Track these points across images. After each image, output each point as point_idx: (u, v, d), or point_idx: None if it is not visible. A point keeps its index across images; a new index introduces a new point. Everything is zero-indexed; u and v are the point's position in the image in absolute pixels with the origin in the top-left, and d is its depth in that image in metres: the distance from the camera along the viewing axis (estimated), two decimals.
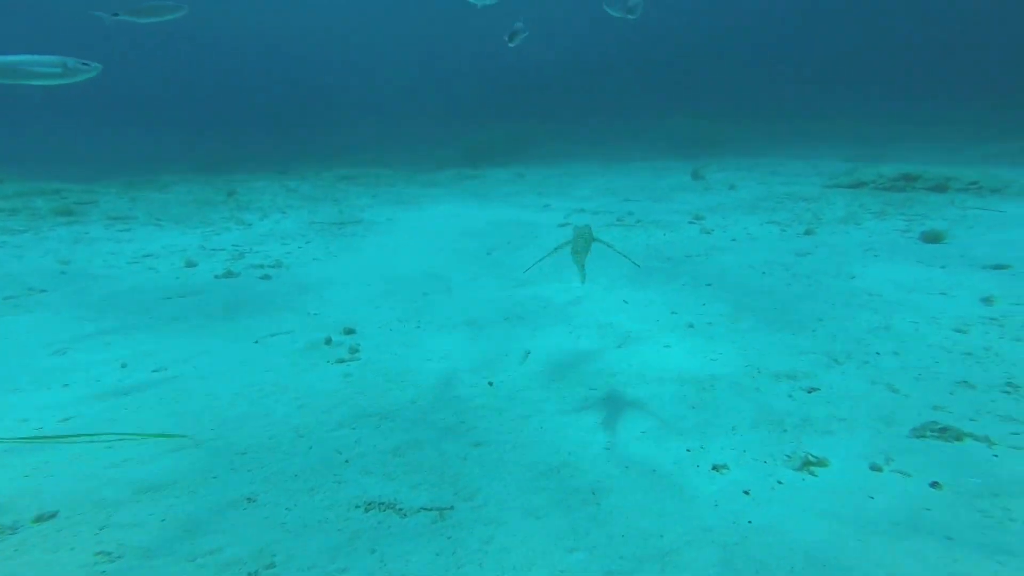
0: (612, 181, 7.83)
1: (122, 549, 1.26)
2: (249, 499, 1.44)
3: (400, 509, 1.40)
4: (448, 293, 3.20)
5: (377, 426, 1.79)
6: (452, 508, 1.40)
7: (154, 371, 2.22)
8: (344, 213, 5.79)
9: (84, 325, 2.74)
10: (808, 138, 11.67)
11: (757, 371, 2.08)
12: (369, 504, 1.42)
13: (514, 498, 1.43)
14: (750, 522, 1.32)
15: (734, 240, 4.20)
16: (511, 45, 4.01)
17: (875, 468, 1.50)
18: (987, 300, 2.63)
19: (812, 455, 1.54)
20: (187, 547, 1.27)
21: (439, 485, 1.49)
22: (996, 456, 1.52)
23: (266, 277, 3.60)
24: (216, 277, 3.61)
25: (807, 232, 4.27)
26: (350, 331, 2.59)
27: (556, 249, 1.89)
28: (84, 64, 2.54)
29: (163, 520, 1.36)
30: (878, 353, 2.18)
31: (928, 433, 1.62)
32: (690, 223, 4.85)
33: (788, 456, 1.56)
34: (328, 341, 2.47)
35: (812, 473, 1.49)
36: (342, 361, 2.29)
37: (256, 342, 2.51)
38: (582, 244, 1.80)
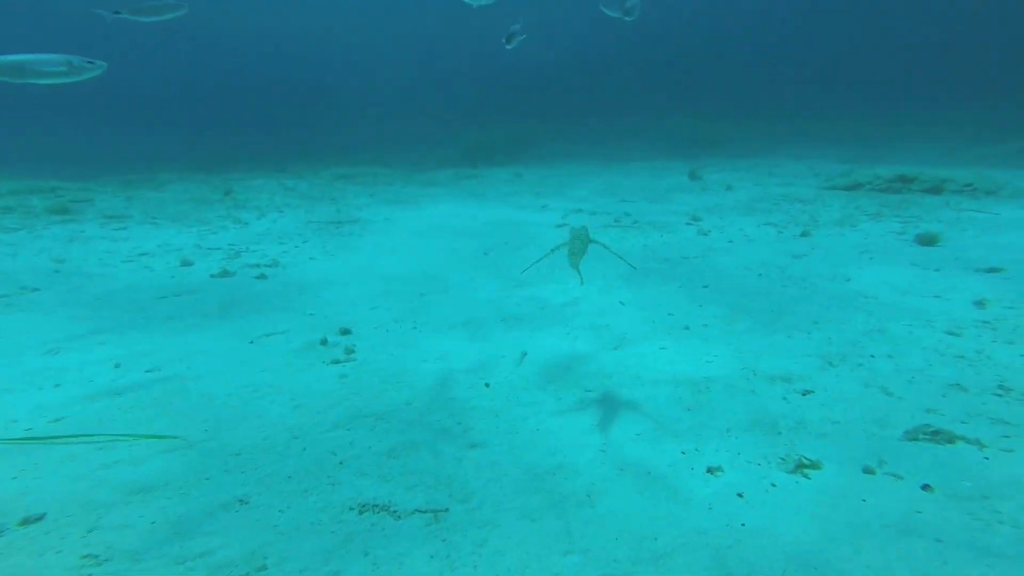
0: (611, 181, 7.84)
1: (110, 552, 1.25)
2: (242, 501, 1.43)
3: (394, 511, 1.39)
4: (445, 294, 3.20)
5: (372, 427, 1.78)
6: (447, 510, 1.40)
7: (148, 371, 2.21)
8: (342, 212, 5.78)
9: (77, 324, 2.72)
10: (806, 138, 11.72)
11: (752, 373, 2.09)
12: (363, 506, 1.41)
13: (509, 500, 1.43)
14: (743, 525, 1.33)
15: (731, 242, 4.21)
16: (508, 47, 4.01)
17: (868, 471, 1.51)
18: (980, 303, 2.65)
19: (806, 458, 1.55)
20: (177, 549, 1.26)
21: (434, 487, 1.49)
22: (987, 459, 1.53)
23: (262, 277, 3.59)
24: (212, 276, 3.59)
25: (803, 234, 4.29)
26: (346, 331, 2.58)
27: (553, 250, 1.88)
28: (89, 62, 2.53)
29: (153, 522, 1.35)
30: (872, 356, 2.19)
31: (921, 436, 1.63)
32: (687, 224, 4.86)
33: (782, 459, 1.57)
34: (324, 341, 2.46)
35: (806, 476, 1.50)
36: (338, 362, 2.28)
37: (251, 342, 2.50)
38: (579, 246, 1.80)
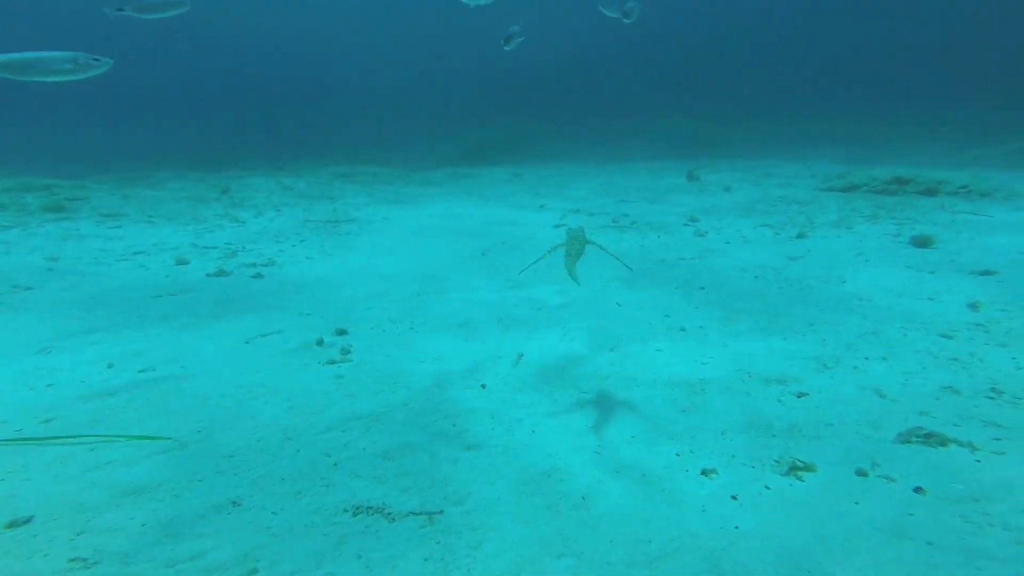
0: (610, 181, 7.85)
1: (99, 555, 1.23)
2: (234, 503, 1.43)
3: (389, 513, 1.39)
4: (442, 294, 3.19)
5: (368, 428, 1.78)
6: (442, 512, 1.39)
7: (141, 371, 2.19)
8: (339, 211, 5.76)
9: (70, 323, 2.70)
10: (805, 139, 11.76)
11: (748, 375, 2.10)
12: (357, 508, 1.41)
13: (504, 503, 1.43)
14: (737, 527, 1.33)
15: (728, 243, 4.22)
16: (507, 49, 4.01)
17: (861, 473, 1.52)
18: (973, 306, 2.67)
19: (800, 460, 1.56)
20: (167, 552, 1.25)
21: (429, 489, 1.48)
22: (979, 461, 1.54)
23: (258, 276, 3.57)
24: (208, 276, 3.57)
25: (800, 236, 4.31)
26: (342, 332, 2.57)
27: (551, 251, 1.88)
28: (95, 60, 2.52)
29: (144, 524, 1.34)
30: (867, 358, 2.20)
31: (913, 438, 1.64)
32: (684, 225, 4.87)
33: (776, 461, 1.58)
34: (320, 342, 2.45)
35: (799, 478, 1.51)
36: (333, 362, 2.27)
37: (247, 342, 2.49)
38: (575, 247, 1.80)
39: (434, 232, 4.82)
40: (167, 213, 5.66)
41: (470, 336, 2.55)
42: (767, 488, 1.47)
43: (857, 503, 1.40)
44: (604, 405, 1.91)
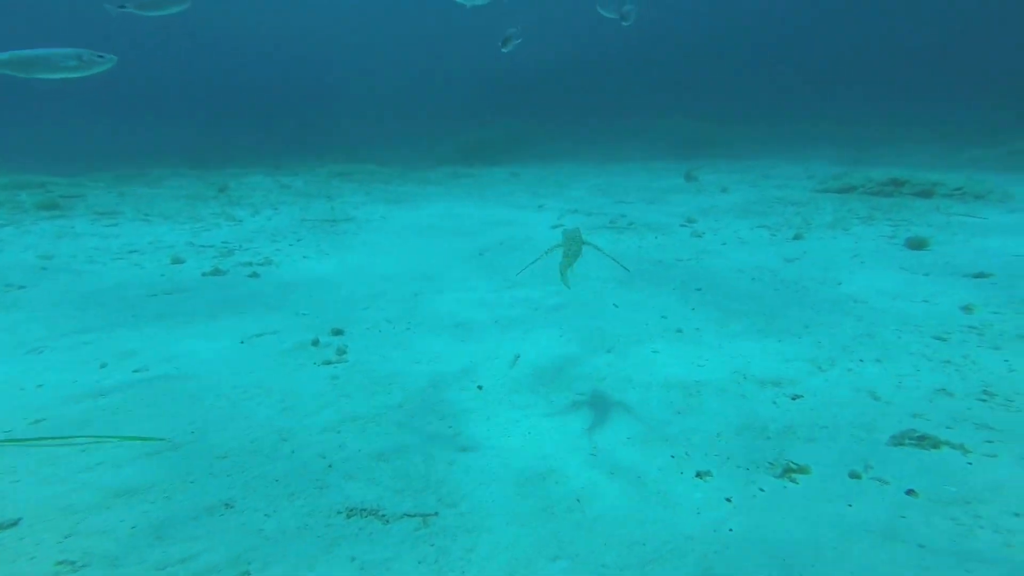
0: (608, 181, 7.85)
1: (87, 558, 1.22)
2: (227, 504, 1.42)
3: (383, 515, 1.38)
4: (439, 294, 3.19)
5: (363, 430, 1.77)
6: (436, 514, 1.39)
7: (135, 371, 2.18)
8: (337, 210, 5.74)
9: (63, 323, 2.68)
10: (804, 140, 11.80)
11: (743, 377, 2.10)
12: (351, 510, 1.40)
13: (499, 505, 1.43)
14: (731, 530, 1.34)
15: (724, 244, 4.23)
16: (505, 51, 4.00)
17: (854, 476, 1.52)
18: (967, 308, 2.68)
19: (793, 462, 1.56)
20: (158, 554, 1.24)
21: (423, 491, 1.48)
22: (971, 464, 1.55)
23: (254, 275, 3.56)
24: (203, 275, 3.55)
25: (796, 237, 4.32)
26: (338, 332, 2.56)
27: (548, 252, 1.88)
28: (99, 56, 2.50)
29: (134, 527, 1.33)
30: (861, 360, 2.21)
31: (907, 441, 1.65)
32: (682, 226, 4.88)
33: (770, 463, 1.58)
34: (315, 342, 2.44)
35: (793, 480, 1.51)
36: (329, 363, 2.26)
37: (242, 342, 2.47)
38: (572, 248, 1.80)
39: (432, 232, 4.81)
40: (164, 211, 5.63)
41: (467, 337, 2.54)
42: (761, 490, 1.48)
43: (850, 505, 1.41)
44: (600, 407, 1.91)
